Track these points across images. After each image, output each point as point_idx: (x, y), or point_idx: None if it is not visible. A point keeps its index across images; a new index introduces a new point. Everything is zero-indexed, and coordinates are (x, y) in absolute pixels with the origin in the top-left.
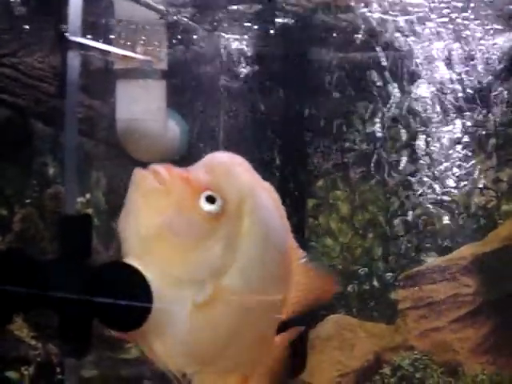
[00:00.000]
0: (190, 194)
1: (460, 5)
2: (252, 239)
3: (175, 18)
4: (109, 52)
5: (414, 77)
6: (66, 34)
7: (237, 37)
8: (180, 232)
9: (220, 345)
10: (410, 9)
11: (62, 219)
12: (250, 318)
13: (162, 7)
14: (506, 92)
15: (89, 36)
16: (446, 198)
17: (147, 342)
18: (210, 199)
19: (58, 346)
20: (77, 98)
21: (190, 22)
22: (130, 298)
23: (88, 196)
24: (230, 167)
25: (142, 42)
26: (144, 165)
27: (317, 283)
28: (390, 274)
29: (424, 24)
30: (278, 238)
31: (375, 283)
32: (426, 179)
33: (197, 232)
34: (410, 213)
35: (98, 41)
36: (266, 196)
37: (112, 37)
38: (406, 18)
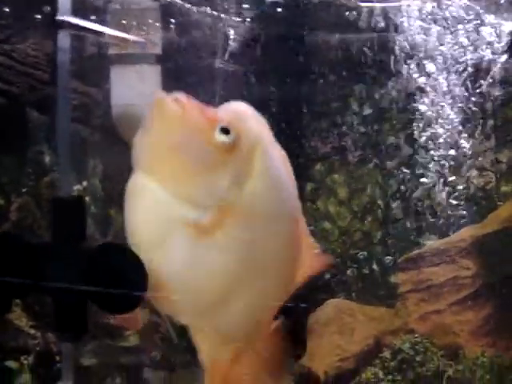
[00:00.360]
0: (206, 123)
1: None
2: (261, 184)
3: (169, 0)
4: (100, 33)
5: (410, 58)
6: (56, 15)
7: (233, 19)
8: (191, 155)
9: (216, 287)
10: None
11: (54, 202)
12: (252, 267)
13: None
14: (504, 72)
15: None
16: (444, 179)
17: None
18: (225, 131)
19: (53, 331)
20: (68, 81)
21: (185, 4)
22: (124, 280)
23: (85, 183)
24: (246, 114)
25: (135, 26)
26: None
27: (317, 267)
28: (390, 257)
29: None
30: (289, 199)
31: (374, 267)
32: (423, 161)
33: (208, 159)
34: (409, 195)
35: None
36: (278, 156)
37: (104, 21)
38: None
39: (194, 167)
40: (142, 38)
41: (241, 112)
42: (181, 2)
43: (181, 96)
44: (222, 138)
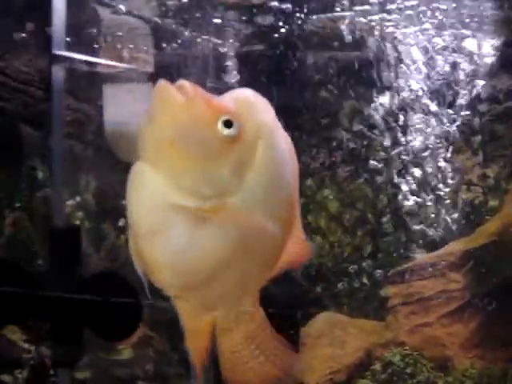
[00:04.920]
0: (210, 113)
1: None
2: (262, 173)
3: (160, 22)
4: (93, 63)
5: (399, 76)
6: (52, 49)
7: (221, 41)
8: (193, 145)
9: (208, 270)
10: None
11: (50, 232)
12: (244, 252)
13: (147, 15)
14: (491, 89)
15: (74, 43)
16: (434, 194)
17: (141, 246)
18: (228, 124)
19: (50, 356)
20: (62, 107)
21: (176, 26)
22: (120, 308)
23: (78, 199)
24: (254, 102)
25: (128, 46)
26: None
27: (302, 254)
28: (380, 271)
29: (407, 27)
30: (287, 185)
31: (365, 280)
32: (413, 177)
33: (209, 150)
34: (399, 210)
35: (83, 48)
36: (283, 142)
37: (98, 44)
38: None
39: (196, 158)
40: (135, 58)
41: (246, 100)
42: (174, 24)
43: (185, 83)
44: (225, 131)
